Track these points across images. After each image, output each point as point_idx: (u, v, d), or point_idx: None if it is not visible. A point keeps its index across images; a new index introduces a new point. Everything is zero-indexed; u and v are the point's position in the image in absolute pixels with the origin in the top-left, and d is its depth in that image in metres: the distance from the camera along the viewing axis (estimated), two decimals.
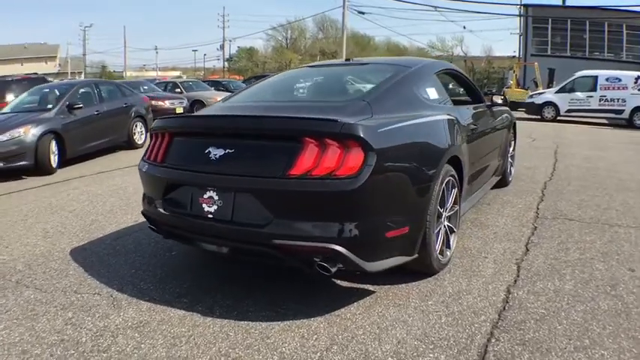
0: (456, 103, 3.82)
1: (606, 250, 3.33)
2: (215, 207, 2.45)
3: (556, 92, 14.67)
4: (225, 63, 55.25)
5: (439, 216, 2.84)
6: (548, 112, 14.52)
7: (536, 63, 21.21)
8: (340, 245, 2.21)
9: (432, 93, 3.27)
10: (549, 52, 27.82)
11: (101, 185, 5.76)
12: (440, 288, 2.74)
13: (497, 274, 2.92)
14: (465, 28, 65.86)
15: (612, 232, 3.72)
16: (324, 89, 3.41)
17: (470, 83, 4.43)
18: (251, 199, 2.35)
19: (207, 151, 2.50)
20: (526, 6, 28.57)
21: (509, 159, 5.35)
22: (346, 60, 3.86)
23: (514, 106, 17.64)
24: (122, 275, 3.02)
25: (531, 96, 15.44)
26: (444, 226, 2.96)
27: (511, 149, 5.37)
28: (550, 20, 28.03)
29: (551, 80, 19.53)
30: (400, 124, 2.54)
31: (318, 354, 2.12)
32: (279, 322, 2.38)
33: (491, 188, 4.95)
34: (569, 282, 2.79)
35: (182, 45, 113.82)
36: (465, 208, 3.60)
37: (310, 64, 4.27)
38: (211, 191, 2.46)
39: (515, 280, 2.83)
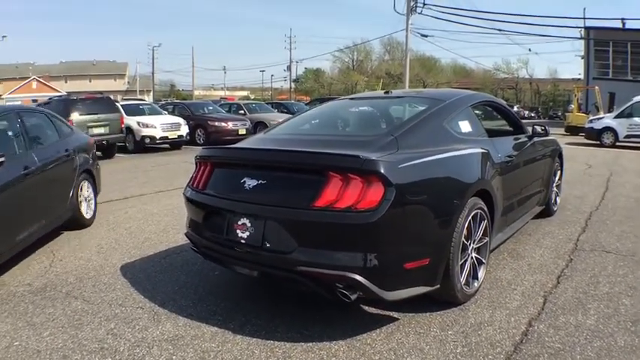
0: (495, 134, 3.89)
1: (636, 284, 3.27)
2: (247, 233, 2.64)
3: (615, 117, 13.98)
4: (292, 84, 56.86)
5: (465, 248, 2.93)
6: (607, 138, 13.84)
7: (596, 87, 20.27)
8: (359, 274, 2.35)
9: (465, 126, 3.37)
10: (611, 76, 26.51)
11: (158, 204, 6.23)
12: (462, 318, 2.83)
13: (522, 307, 2.96)
14: (530, 50, 64.08)
15: None
16: (357, 123, 3.61)
17: (510, 114, 4.48)
18: (279, 227, 2.53)
19: (242, 180, 2.73)
20: (587, 29, 27.49)
21: (555, 188, 5.29)
22: (385, 92, 4.04)
23: (575, 130, 16.99)
24: (166, 291, 3.27)
25: (591, 121, 14.83)
26: (471, 257, 3.05)
27: (556, 178, 5.30)
28: (611, 43, 26.79)
29: (612, 104, 18.60)
30: (423, 160, 2.67)
31: None
32: (302, 344, 2.54)
33: (536, 218, 4.93)
34: (592, 317, 2.79)
35: (250, 66, 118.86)
36: (500, 239, 3.66)
37: (351, 96, 4.46)
38: (244, 218, 2.65)
39: (539, 314, 2.86)
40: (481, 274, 3.16)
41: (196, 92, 58.63)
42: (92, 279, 3.54)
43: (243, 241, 2.68)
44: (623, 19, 26.09)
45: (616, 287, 3.23)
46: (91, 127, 10.88)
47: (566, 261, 3.79)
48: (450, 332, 2.67)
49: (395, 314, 2.88)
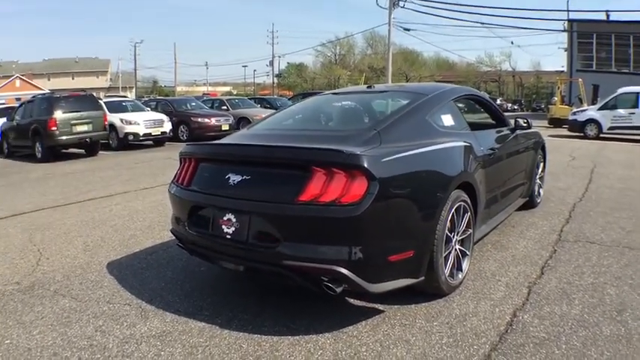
0: (478, 127, 3.90)
1: (621, 274, 3.30)
2: (233, 228, 2.65)
3: (598, 109, 14.16)
4: (275, 79, 56.55)
5: (448, 240, 2.95)
6: (591, 130, 14.03)
7: (580, 79, 20.53)
8: (344, 267, 2.37)
9: (448, 120, 3.39)
10: (594, 68, 26.83)
11: (143, 201, 6.18)
12: (447, 309, 2.84)
13: (506, 298, 2.98)
14: (512, 43, 64.72)
15: (631, 256, 3.66)
16: (340, 117, 3.60)
17: (492, 107, 4.50)
18: (264, 222, 2.56)
19: (227, 176, 2.74)
20: (571, 21, 27.79)
21: (538, 180, 5.34)
22: (367, 87, 4.03)
23: (558, 123, 17.19)
24: (152, 288, 3.27)
25: (574, 113, 14.98)
26: (455, 249, 3.06)
27: (539, 171, 5.36)
28: (595, 35, 27.11)
29: (596, 96, 18.87)
30: (406, 153, 2.68)
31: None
32: (290, 337, 2.56)
33: (520, 210, 4.98)
34: (577, 307, 2.82)
35: (232, 61, 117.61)
36: (483, 231, 3.69)
37: (334, 91, 4.45)
38: (230, 214, 2.66)
39: (524, 304, 2.88)
40: (465, 265, 3.18)
41: (179, 88, 57.99)
42: (79, 277, 3.53)
43: (228, 237, 2.67)
44: (607, 11, 26.44)
45: (601, 277, 3.26)
46: (75, 124, 10.70)
47: (550, 252, 3.83)
48: (435, 323, 2.67)
49: (380, 306, 2.89)
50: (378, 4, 27.43)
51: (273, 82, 56.77)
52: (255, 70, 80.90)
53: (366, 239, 2.42)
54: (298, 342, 2.50)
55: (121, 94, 45.14)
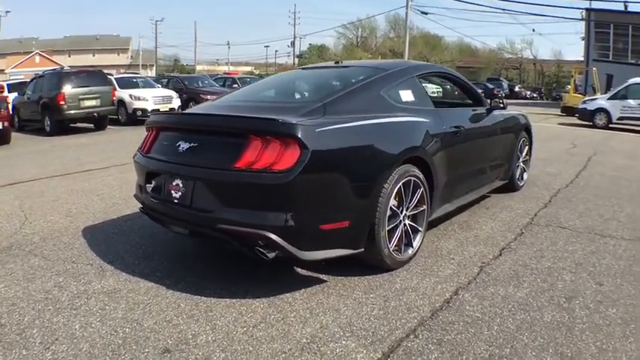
0: (450, 105, 3.76)
1: (583, 261, 3.13)
2: (180, 193, 2.71)
3: (608, 99, 13.51)
4: (296, 59, 56.05)
5: (395, 215, 2.87)
6: (600, 119, 13.43)
7: (594, 68, 19.66)
8: (274, 233, 2.36)
9: (406, 95, 3.26)
10: (611, 58, 25.65)
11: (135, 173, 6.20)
12: (389, 283, 2.76)
13: (453, 276, 2.87)
14: (534, 30, 62.32)
15: (600, 243, 3.47)
16: (296, 91, 3.52)
17: (467, 86, 4.31)
18: (204, 187, 2.60)
19: (178, 144, 2.78)
20: (589, 10, 26.61)
21: (522, 164, 5.14)
22: (335, 62, 3.94)
23: (571, 111, 16.57)
24: (117, 251, 3.34)
25: (584, 102, 14.38)
26: (405, 224, 2.97)
27: (524, 154, 5.15)
28: (612, 26, 25.85)
29: (609, 86, 18.07)
30: (343, 125, 2.61)
31: (245, 328, 2.28)
32: (227, 300, 2.57)
33: (499, 192, 4.80)
34: (524, 290, 2.68)
35: (254, 41, 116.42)
36: (446, 209, 3.57)
37: (304, 67, 4.41)
38: (177, 179, 2.72)
39: (469, 283, 2.77)
40: (417, 241, 3.07)
41: (200, 67, 57.87)
42: (55, 239, 3.62)
43: (176, 201, 2.73)
44: (625, 1, 25.20)
45: (560, 262, 3.10)
46: (83, 99, 10.82)
47: (516, 234, 3.67)
48: (371, 295, 2.60)
49: (324, 276, 2.84)
50: None
51: (294, 63, 56.25)
52: (276, 51, 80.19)
53: (296, 207, 2.39)
54: (233, 304, 2.51)
55: (141, 71, 45.42)
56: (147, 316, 2.40)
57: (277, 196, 2.37)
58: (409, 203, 2.97)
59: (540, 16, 42.32)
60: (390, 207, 2.79)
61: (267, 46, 77.76)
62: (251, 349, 2.11)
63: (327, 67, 4.06)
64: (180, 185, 2.69)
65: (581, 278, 2.86)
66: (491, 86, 35.63)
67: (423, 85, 3.62)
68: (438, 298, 2.57)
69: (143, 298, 2.59)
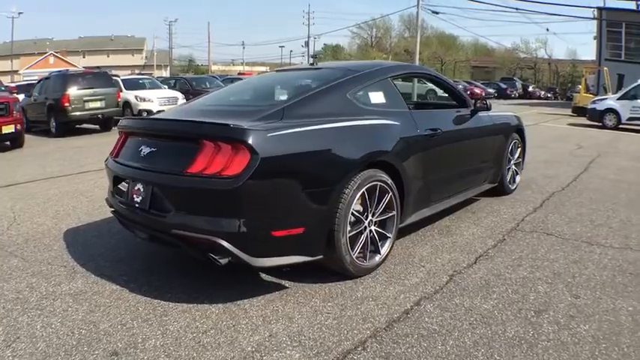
0: (430, 107, 3.61)
1: (563, 271, 2.95)
2: (140, 197, 2.68)
3: (618, 99, 13.03)
4: (311, 59, 55.95)
5: (359, 221, 2.76)
6: (609, 120, 12.96)
7: (605, 68, 19.06)
8: (224, 239, 2.30)
9: (377, 97, 3.15)
10: (623, 58, 24.87)
11: None
12: (351, 291, 2.65)
13: (420, 284, 2.74)
14: (548, 30, 60.96)
15: (586, 252, 3.28)
16: (262, 94, 3.43)
17: (449, 87, 4.15)
18: (161, 192, 2.56)
19: (140, 149, 2.78)
20: (600, 9, 25.88)
21: (514, 166, 4.95)
22: (311, 64, 3.85)
23: (581, 112, 16.13)
24: (92, 253, 3.33)
25: (594, 102, 13.94)
26: (371, 230, 2.85)
27: (516, 156, 4.95)
28: (624, 25, 25.08)
29: (621, 86, 17.52)
30: (300, 129, 2.51)
31: (194, 334, 2.24)
32: (185, 305, 2.53)
33: (489, 196, 4.63)
34: (492, 301, 2.53)
35: (268, 41, 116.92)
36: (423, 214, 3.43)
37: (277, 69, 4.34)
38: (139, 184, 2.70)
39: (435, 293, 2.63)
40: (385, 248, 2.95)
41: (215, 67, 57.99)
42: (36, 241, 3.64)
43: (137, 205, 2.71)
44: (638, 0, 24.44)
45: (537, 272, 2.93)
46: (88, 101, 10.91)
47: (497, 241, 3.51)
48: (329, 304, 2.50)
49: (287, 283, 2.76)
50: None
51: (309, 64, 56.09)
52: (291, 51, 79.76)
53: (247, 213, 2.32)
54: (189, 310, 2.47)
55: (155, 72, 45.72)
56: (104, 319, 2.39)
57: (227, 202, 2.31)
58: (375, 209, 2.85)
59: (552, 15, 41.55)
60: (353, 213, 2.68)
61: (282, 47, 77.58)
62: (195, 355, 2.06)
63: (301, 69, 4.01)
64: (141, 190, 2.67)
65: (556, 290, 2.69)
66: (504, 86, 34.99)
67: (416, 85, 3.49)
68: (398, 309, 2.45)
69: (105, 301, 2.60)
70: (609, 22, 25.24)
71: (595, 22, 26.50)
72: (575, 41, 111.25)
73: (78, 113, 10.66)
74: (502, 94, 32.86)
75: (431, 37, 52.20)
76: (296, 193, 2.43)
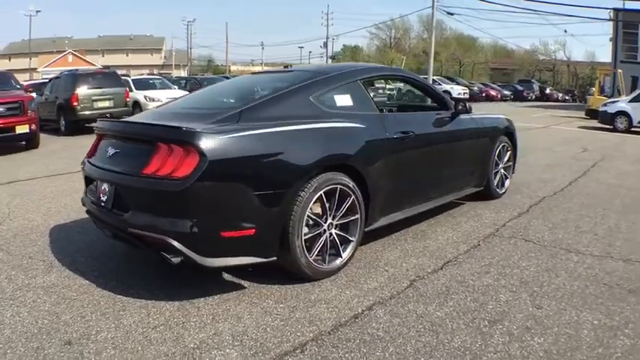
0: (409, 109, 3.54)
1: (531, 279, 2.84)
2: (106, 197, 2.75)
3: (629, 101, 12.58)
4: (329, 60, 56.12)
5: (317, 224, 2.73)
6: (621, 123, 12.51)
7: (620, 70, 18.54)
8: (174, 239, 2.33)
9: (343, 100, 3.11)
10: (638, 59, 24.16)
11: None
12: (306, 294, 2.62)
13: (377, 289, 2.68)
14: (565, 31, 59.49)
15: (561, 259, 3.15)
16: (228, 97, 3.40)
17: (430, 90, 4.06)
18: (121, 192, 2.63)
19: (107, 150, 2.85)
20: (616, 10, 25.13)
21: (503, 170, 4.82)
22: (284, 67, 3.84)
23: (595, 115, 15.72)
24: (73, 249, 3.40)
25: (605, 104, 13.51)
26: (331, 234, 2.81)
27: (505, 159, 4.82)
28: None
29: (635, 89, 17.00)
30: (253, 132, 2.51)
31: (145, 329, 2.28)
32: (144, 301, 2.58)
33: (475, 200, 4.53)
34: (446, 309, 2.45)
35: (287, 41, 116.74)
36: (395, 218, 3.37)
37: (254, 72, 4.35)
38: (105, 184, 2.77)
39: (390, 298, 2.57)
40: (348, 252, 2.90)
41: (234, 67, 58.25)
42: (24, 236, 3.73)
43: (103, 204, 2.78)
44: None
45: (504, 280, 2.82)
46: (96, 100, 11.11)
47: (471, 247, 3.41)
48: (281, 305, 2.48)
49: (246, 283, 2.76)
50: None
51: (283, 66, 55.97)
52: (310, 52, 79.46)
53: (196, 213, 2.34)
54: (146, 306, 2.51)
55: (174, 72, 46.16)
56: (67, 311, 2.47)
57: (176, 203, 2.35)
58: (336, 212, 2.81)
59: (568, 16, 40.66)
60: (310, 216, 2.66)
61: (301, 47, 76.95)
62: (140, 349, 2.11)
63: (275, 72, 4.01)
64: (107, 190, 2.74)
65: (518, 299, 2.58)
66: (520, 88, 34.33)
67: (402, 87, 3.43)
68: (348, 313, 2.40)
69: (72, 294, 2.67)
70: (625, 23, 24.52)
71: (611, 23, 25.77)
72: (594, 43, 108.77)
73: (87, 112, 10.85)
74: (519, 97, 32.31)
75: (450, 38, 51.77)
76: (246, 195, 2.43)
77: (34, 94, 11.96)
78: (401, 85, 13.64)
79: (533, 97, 33.48)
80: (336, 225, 2.84)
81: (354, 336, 2.18)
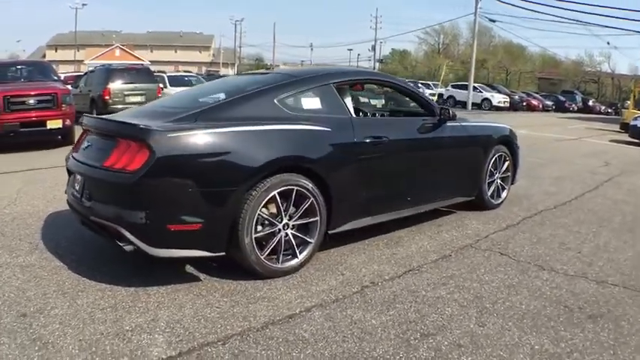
0: (396, 114, 3.49)
1: (488, 295, 2.72)
2: (78, 186, 2.93)
3: None
4: (377, 64, 56.10)
5: (271, 224, 2.77)
6: None
7: None
8: (124, 228, 2.47)
9: (312, 103, 3.12)
10: None
11: None
12: (254, 291, 2.66)
13: (324, 292, 2.67)
14: (608, 43, 56.37)
15: (530, 276, 3.00)
16: (200, 97, 3.42)
17: (415, 95, 3.97)
18: (87, 182, 2.81)
19: (84, 144, 3.05)
20: None
21: (500, 181, 4.66)
22: (266, 69, 3.90)
23: (628, 128, 14.86)
24: (60, 234, 3.53)
25: (635, 118, 12.68)
26: (287, 234, 2.84)
27: (502, 169, 4.64)
28: None
29: None
30: (205, 131, 2.58)
31: (93, 309, 2.43)
32: (104, 285, 2.70)
33: (467, 210, 4.40)
34: (384, 318, 2.40)
35: (336, 43, 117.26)
36: (363, 223, 3.33)
37: (239, 73, 4.44)
38: (78, 175, 2.95)
39: (334, 302, 2.56)
40: (305, 253, 2.91)
41: (284, 67, 58.95)
42: (22, 220, 3.91)
43: (75, 194, 2.97)
44: None
45: (458, 293, 2.72)
46: (128, 95, 11.57)
47: (440, 257, 3.31)
48: (225, 299, 2.56)
49: (203, 276, 2.85)
50: None
51: (374, 67, 56.03)
52: (359, 55, 78.65)
53: (143, 205, 2.46)
54: (104, 289, 2.66)
55: (222, 70, 47.16)
56: (34, 288, 2.64)
57: (127, 195, 2.50)
58: (293, 213, 2.83)
59: (610, 28, 38.68)
60: (262, 215, 2.69)
61: (350, 50, 76.00)
62: (81, 326, 2.24)
63: (254, 74, 4.11)
64: (80, 180, 2.92)
65: (464, 314, 2.48)
66: (562, 99, 33.04)
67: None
68: (285, 312, 2.42)
69: (43, 274, 2.83)
70: None
71: None
72: (638, 56, 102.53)
73: (118, 106, 11.26)
74: (561, 107, 31.30)
75: (498, 45, 50.60)
76: (193, 191, 2.51)
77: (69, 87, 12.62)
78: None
79: (576, 108, 32.16)
80: (293, 225, 2.85)
81: (279, 335, 2.20)
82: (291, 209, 2.84)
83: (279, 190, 2.71)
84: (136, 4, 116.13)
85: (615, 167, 7.80)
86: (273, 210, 2.78)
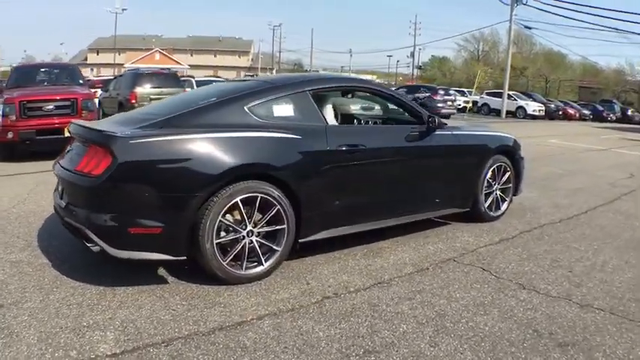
0: (382, 122, 3.41)
1: (452, 313, 2.57)
2: (60, 189, 3.05)
3: None
4: (416, 70, 55.85)
5: (235, 231, 2.77)
6: None
7: None
8: (89, 229, 2.57)
9: (283, 111, 3.09)
10: None
11: None
12: (214, 296, 2.68)
13: (284, 301, 2.63)
14: None
15: (506, 295, 2.82)
16: (182, 104, 3.42)
17: (402, 102, 3.86)
18: (63, 185, 2.93)
19: (67, 150, 3.18)
20: None
21: (499, 192, 4.46)
22: (251, 76, 3.92)
23: None
24: (56, 233, 3.60)
25: None
26: (252, 241, 2.83)
27: (502, 180, 4.42)
28: None
29: None
30: (164, 138, 2.63)
31: (60, 305, 2.52)
32: (79, 283, 2.79)
33: (463, 222, 4.25)
34: (334, 331, 2.33)
35: (375, 49, 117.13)
36: (343, 231, 3.29)
37: (228, 79, 4.48)
38: (59, 179, 3.05)
39: (289, 311, 2.51)
40: (271, 261, 2.89)
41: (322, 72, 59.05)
42: (24, 218, 4.04)
43: (59, 197, 3.06)
44: None
45: (420, 310, 2.58)
46: (154, 99, 11.89)
47: (417, 270, 3.18)
48: (183, 302, 2.59)
49: (172, 279, 2.89)
50: (500, 0, 25.49)
51: (413, 74, 55.64)
52: (398, 61, 77.57)
53: (105, 208, 2.54)
54: (77, 287, 2.75)
55: (260, 74, 48.01)
56: (16, 282, 2.77)
57: (91, 198, 2.60)
58: (258, 220, 2.82)
59: None
60: (224, 221, 2.70)
61: (389, 56, 74.50)
62: (46, 319, 2.36)
63: (237, 80, 4.17)
64: (60, 183, 3.04)
65: (418, 333, 2.35)
66: (601, 108, 31.54)
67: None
68: (236, 319, 2.41)
69: (28, 270, 2.96)
70: None
71: None
72: None
73: None
74: (598, 117, 29.93)
75: (539, 53, 49.10)
76: (154, 195, 2.56)
77: (98, 91, 13.14)
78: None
79: (614, 118, 30.60)
80: (259, 233, 2.84)
81: (222, 341, 2.19)
82: (257, 216, 2.81)
83: (242, 197, 2.71)
84: (177, 7, 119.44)
85: (639, 180, 7.34)
86: (238, 217, 2.77)
